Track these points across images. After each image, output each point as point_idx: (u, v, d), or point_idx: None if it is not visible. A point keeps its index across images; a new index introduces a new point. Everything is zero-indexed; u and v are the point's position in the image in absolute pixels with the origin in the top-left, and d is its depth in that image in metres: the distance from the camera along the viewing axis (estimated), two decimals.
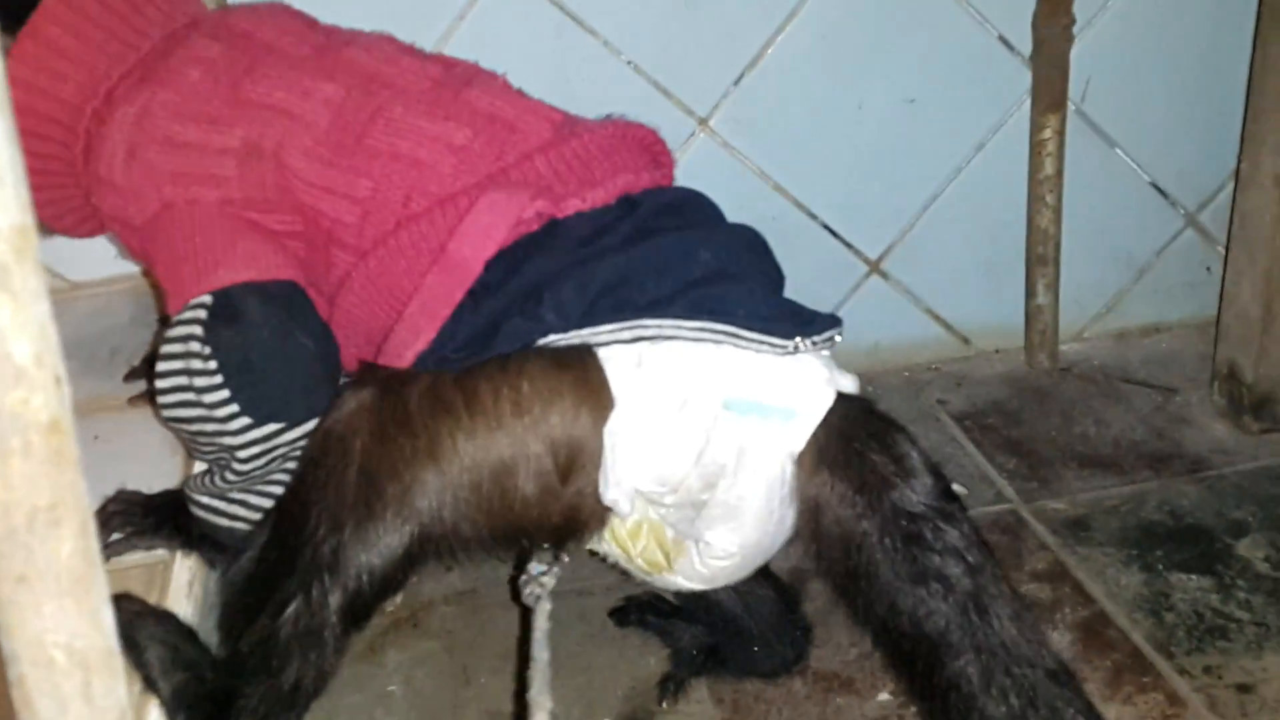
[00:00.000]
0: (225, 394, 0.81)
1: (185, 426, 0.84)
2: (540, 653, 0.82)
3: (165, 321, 1.19)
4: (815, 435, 0.77)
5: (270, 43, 0.91)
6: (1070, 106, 1.37)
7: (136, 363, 1.15)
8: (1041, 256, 1.41)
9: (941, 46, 1.35)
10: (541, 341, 0.78)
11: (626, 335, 0.77)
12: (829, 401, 0.78)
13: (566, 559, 0.90)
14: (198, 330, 0.81)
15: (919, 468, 0.77)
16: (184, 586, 0.85)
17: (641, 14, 1.28)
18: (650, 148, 0.93)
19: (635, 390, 0.77)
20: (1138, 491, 1.25)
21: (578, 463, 0.78)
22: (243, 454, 0.82)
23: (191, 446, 0.88)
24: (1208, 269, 1.49)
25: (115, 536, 0.89)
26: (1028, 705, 0.73)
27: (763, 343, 0.77)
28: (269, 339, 0.82)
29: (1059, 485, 1.26)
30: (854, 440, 0.77)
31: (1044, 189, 1.37)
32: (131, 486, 0.96)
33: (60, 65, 0.87)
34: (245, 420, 0.81)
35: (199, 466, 0.88)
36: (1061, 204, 1.38)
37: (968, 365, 1.48)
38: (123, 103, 0.87)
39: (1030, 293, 1.44)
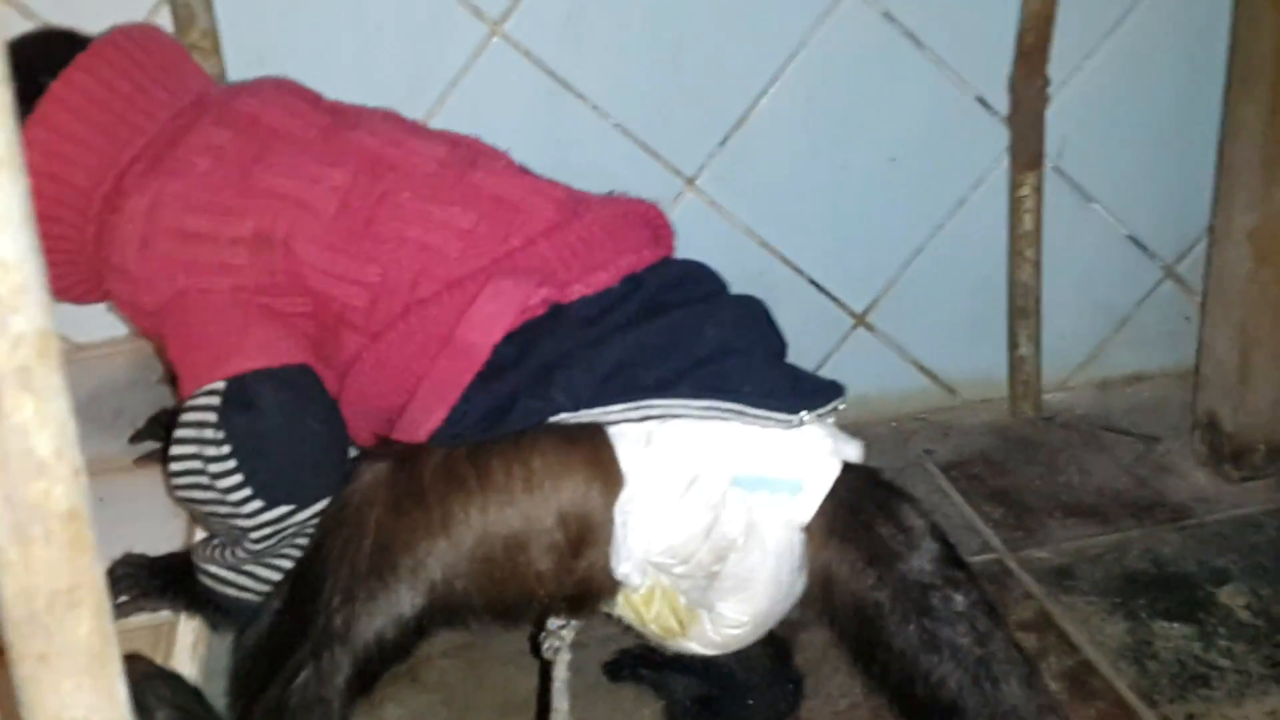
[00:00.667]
0: (239, 479, 0.83)
1: (199, 508, 0.87)
2: (560, 703, 0.84)
3: (172, 383, 1.23)
4: (823, 506, 0.80)
5: (278, 127, 0.93)
6: (1048, 164, 1.40)
7: (141, 424, 1.18)
8: (1023, 309, 1.44)
9: (921, 107, 1.39)
10: (552, 420, 0.80)
11: (635, 415, 0.79)
12: (835, 472, 0.80)
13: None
14: (211, 417, 0.83)
15: (926, 536, 0.80)
16: (189, 648, 0.87)
17: (629, 79, 1.32)
18: (651, 222, 0.96)
19: (645, 468, 0.79)
20: (1121, 540, 1.27)
21: (589, 538, 0.81)
22: (255, 535, 0.85)
23: (203, 522, 0.90)
24: (1186, 318, 1.53)
25: (122, 599, 0.91)
26: None
27: (768, 418, 0.79)
28: (282, 424, 0.84)
29: (1044, 534, 1.29)
30: (861, 511, 0.80)
31: (1024, 244, 1.41)
32: (136, 547, 0.99)
33: (70, 151, 0.89)
34: (258, 504, 0.83)
35: (204, 533, 0.90)
36: (1041, 258, 1.42)
37: (954, 415, 1.51)
38: (133, 192, 0.89)
39: (1013, 344, 1.47)
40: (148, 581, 0.91)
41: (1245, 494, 1.33)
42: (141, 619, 0.90)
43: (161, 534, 1.00)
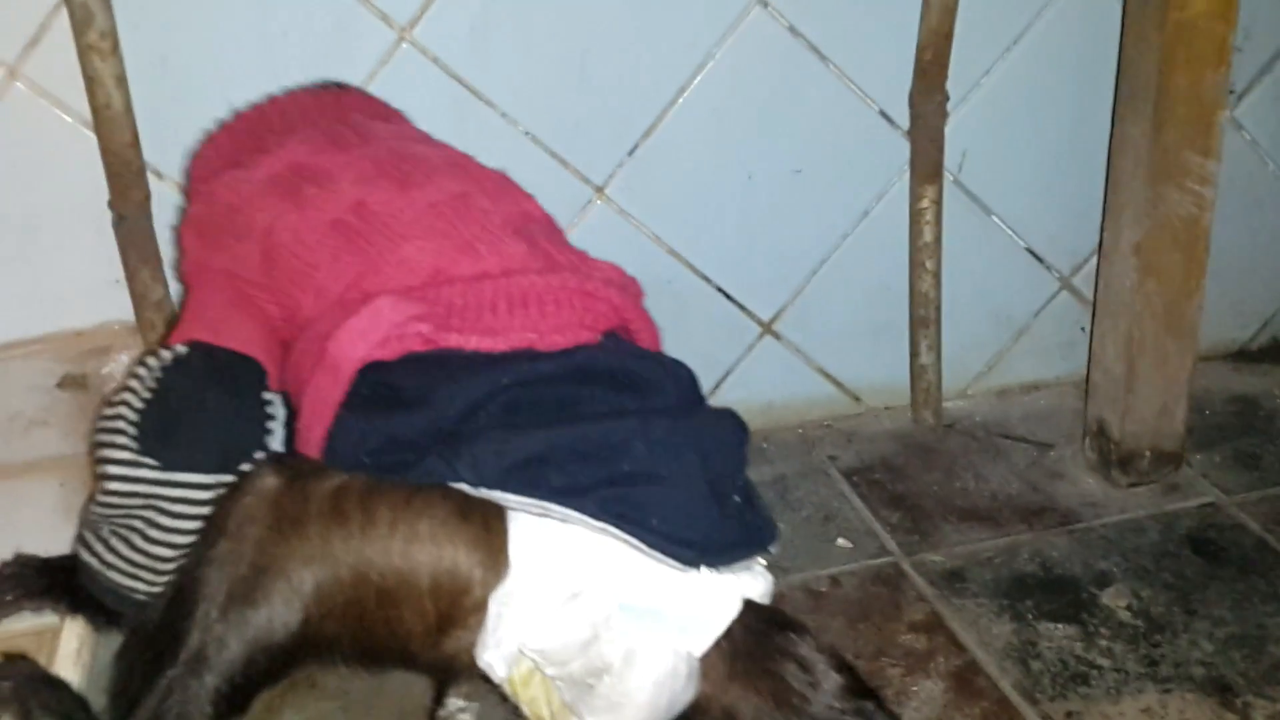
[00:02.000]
0: (132, 417, 0.83)
1: (95, 445, 0.86)
2: None
3: (64, 384, 1.22)
4: (721, 646, 0.78)
5: (351, 141, 1.00)
6: (948, 176, 1.44)
7: (34, 429, 1.17)
8: (923, 318, 1.47)
9: (826, 120, 1.41)
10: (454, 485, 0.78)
11: (535, 511, 0.77)
12: (732, 614, 0.78)
13: (482, 698, 0.90)
14: (151, 364, 0.87)
15: (827, 672, 0.79)
16: (73, 653, 0.87)
17: (538, 87, 1.33)
18: (608, 303, 0.91)
19: (532, 566, 0.77)
20: (1011, 544, 1.31)
21: (459, 617, 0.79)
22: (111, 484, 0.83)
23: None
24: (1081, 329, 1.57)
25: (6, 598, 0.91)
26: None
27: (664, 559, 0.77)
28: (190, 389, 0.85)
29: (938, 538, 1.32)
30: (763, 653, 0.80)
31: (924, 255, 1.44)
32: (28, 549, 0.98)
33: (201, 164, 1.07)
34: (126, 449, 0.83)
35: None
36: (941, 269, 1.45)
37: (858, 422, 1.54)
38: None
39: (914, 353, 1.50)
40: (34, 581, 0.91)
41: (1131, 499, 1.37)
42: (26, 623, 0.89)
43: (52, 540, 0.99)
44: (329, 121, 1.04)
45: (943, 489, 1.40)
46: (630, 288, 0.96)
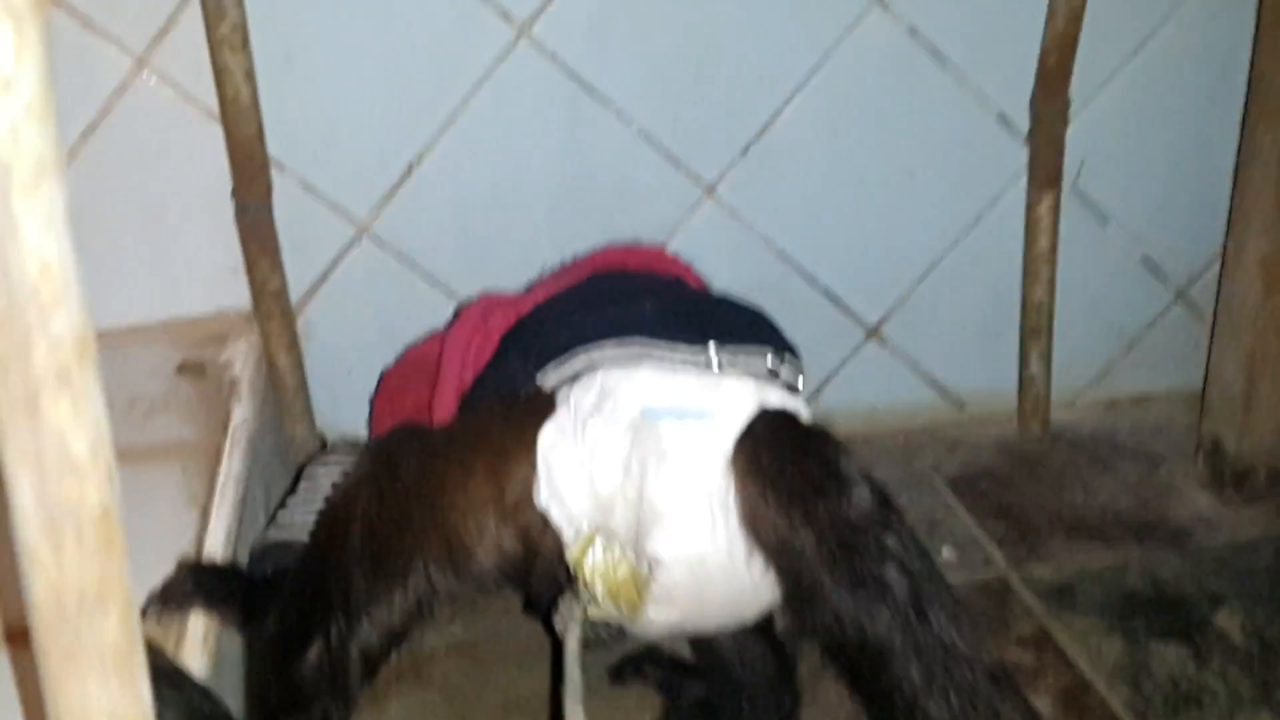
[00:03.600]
0: None
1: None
2: (573, 673, 0.83)
3: (182, 370, 1.24)
4: (745, 447, 0.79)
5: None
6: (1065, 184, 1.41)
7: (156, 413, 1.19)
8: (1035, 328, 1.45)
9: (942, 123, 1.39)
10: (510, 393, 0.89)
11: (569, 368, 0.86)
12: (750, 408, 0.80)
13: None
14: None
15: (854, 477, 0.78)
16: (199, 640, 0.88)
17: (652, 86, 1.33)
18: (649, 260, 1.07)
19: (570, 400, 0.84)
20: (1122, 560, 1.28)
21: (525, 475, 0.85)
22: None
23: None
24: (1196, 342, 1.53)
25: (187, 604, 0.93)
26: (967, 704, 0.75)
27: (674, 347, 0.84)
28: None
29: (1046, 552, 1.30)
30: (786, 451, 0.79)
31: (1038, 263, 1.41)
32: (149, 541, 1.00)
33: None
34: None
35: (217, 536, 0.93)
36: (1055, 278, 1.43)
37: (962, 431, 1.52)
38: None
39: (1023, 362, 1.48)
40: (211, 588, 0.93)
41: (1245, 518, 1.34)
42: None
43: (172, 528, 1.01)
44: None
45: (1050, 501, 1.38)
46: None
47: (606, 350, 0.85)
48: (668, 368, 0.83)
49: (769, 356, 0.85)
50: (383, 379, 1.19)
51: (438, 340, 1.09)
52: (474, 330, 0.98)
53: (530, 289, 1.10)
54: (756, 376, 0.84)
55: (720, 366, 0.84)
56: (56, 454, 0.43)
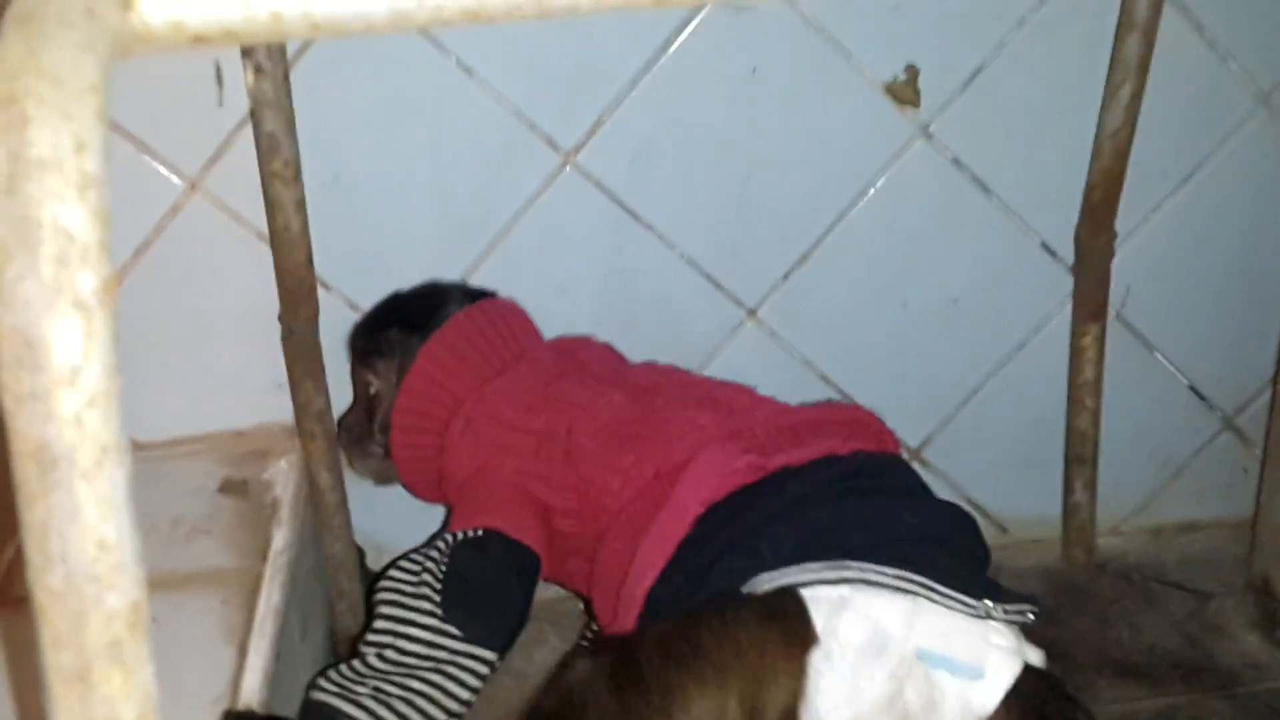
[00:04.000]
0: (438, 591, 0.98)
1: (383, 609, 1.00)
2: None
3: (224, 489, 1.25)
4: (1008, 707, 0.81)
5: (584, 361, 1.19)
6: (1111, 312, 1.40)
7: (198, 534, 1.20)
8: (1080, 456, 1.43)
9: (986, 251, 1.39)
10: (753, 580, 0.86)
11: (831, 575, 0.84)
12: (1017, 669, 0.82)
13: None
14: (449, 543, 1.03)
15: None
16: None
17: (697, 212, 1.33)
18: (865, 424, 1.09)
19: (837, 631, 0.82)
20: (1168, 706, 1.25)
21: (784, 701, 0.83)
22: (408, 644, 0.97)
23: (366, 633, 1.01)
24: (1244, 470, 1.51)
25: None
26: None
27: (955, 599, 0.82)
28: (491, 570, 1.01)
29: (1092, 694, 1.27)
30: (1045, 717, 0.82)
31: (1083, 393, 1.40)
32: (186, 670, 1.01)
33: (457, 365, 1.16)
34: (433, 617, 0.97)
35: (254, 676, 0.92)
36: (1101, 406, 1.41)
37: (1005, 555, 1.49)
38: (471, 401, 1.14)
39: (1068, 490, 1.46)
40: None
41: None
42: None
43: (211, 660, 1.02)
44: (529, 343, 1.22)
45: (1096, 637, 1.35)
46: (879, 422, 1.13)
47: (880, 575, 0.84)
48: (945, 613, 0.83)
49: (1029, 611, 0.88)
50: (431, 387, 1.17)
51: (553, 397, 1.11)
52: (718, 482, 0.96)
53: (714, 395, 1.13)
54: (1017, 628, 0.86)
55: (992, 619, 0.85)
56: None
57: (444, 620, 0.97)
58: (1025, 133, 1.35)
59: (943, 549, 0.87)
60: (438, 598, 0.98)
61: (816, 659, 0.82)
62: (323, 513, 1.31)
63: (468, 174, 1.28)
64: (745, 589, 0.88)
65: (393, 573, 1.03)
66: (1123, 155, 1.28)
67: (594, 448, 1.05)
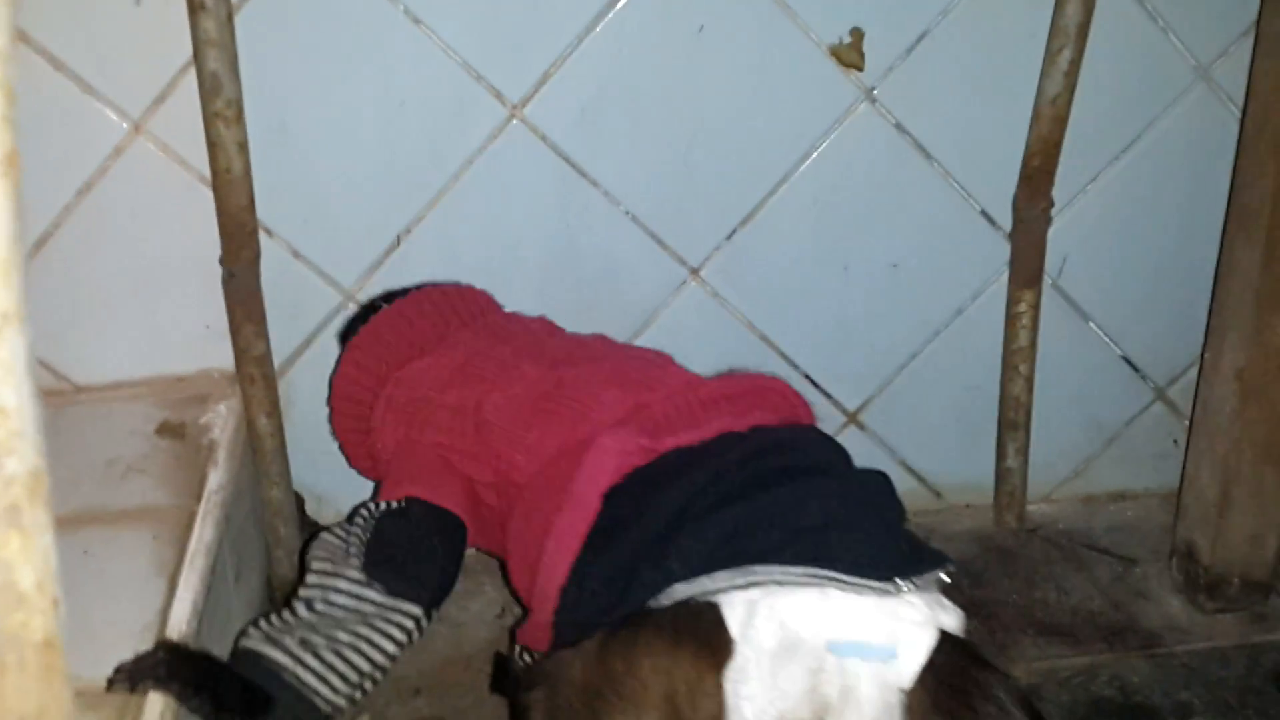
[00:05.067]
0: (362, 548, 1.02)
1: (312, 566, 1.03)
2: None
3: (162, 431, 1.25)
4: (924, 680, 0.81)
5: (509, 336, 1.20)
6: (1046, 281, 1.43)
7: (132, 474, 1.20)
8: (1013, 422, 1.46)
9: (926, 217, 1.41)
10: (666, 592, 0.87)
11: (741, 581, 0.85)
12: (931, 641, 0.82)
13: None
14: (371, 511, 1.06)
15: (1018, 716, 0.82)
16: (156, 715, 0.88)
17: (642, 169, 1.34)
18: (768, 392, 1.08)
19: (751, 636, 0.83)
20: (1091, 664, 1.28)
21: (711, 715, 0.84)
22: (335, 595, 0.99)
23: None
24: (1174, 441, 1.54)
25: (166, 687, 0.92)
26: None
27: (863, 585, 0.83)
28: (413, 533, 1.04)
29: (1016, 651, 1.30)
30: (961, 690, 0.82)
31: (1017, 359, 1.42)
32: (116, 602, 1.01)
33: (382, 352, 1.19)
34: (359, 573, 1.00)
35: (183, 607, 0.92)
36: (1034, 373, 1.44)
37: (938, 519, 1.53)
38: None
39: (1001, 455, 1.49)
40: (185, 672, 0.92)
41: (1216, 626, 1.34)
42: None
43: (142, 592, 1.02)
44: (475, 319, 1.24)
45: (1023, 599, 1.38)
46: (790, 390, 1.11)
47: (787, 575, 0.84)
48: (852, 597, 0.84)
49: (940, 575, 0.88)
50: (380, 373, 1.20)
51: (467, 372, 1.13)
52: (615, 470, 0.97)
53: (621, 359, 1.15)
54: (928, 594, 0.86)
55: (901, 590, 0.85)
56: (3, 587, 0.43)
57: (369, 577, 1.00)
58: (968, 99, 1.37)
59: (849, 531, 0.87)
60: (363, 560, 1.01)
61: (733, 670, 0.83)
62: (260, 458, 1.31)
63: (414, 124, 1.29)
64: (659, 600, 0.89)
65: (320, 539, 1.06)
66: (1061, 122, 1.30)
67: (500, 422, 1.07)
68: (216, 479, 1.18)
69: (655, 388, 1.06)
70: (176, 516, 1.13)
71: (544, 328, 1.26)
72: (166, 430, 1.27)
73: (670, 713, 0.85)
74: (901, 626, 0.82)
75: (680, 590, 0.87)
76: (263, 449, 1.30)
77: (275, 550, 1.35)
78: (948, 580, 0.88)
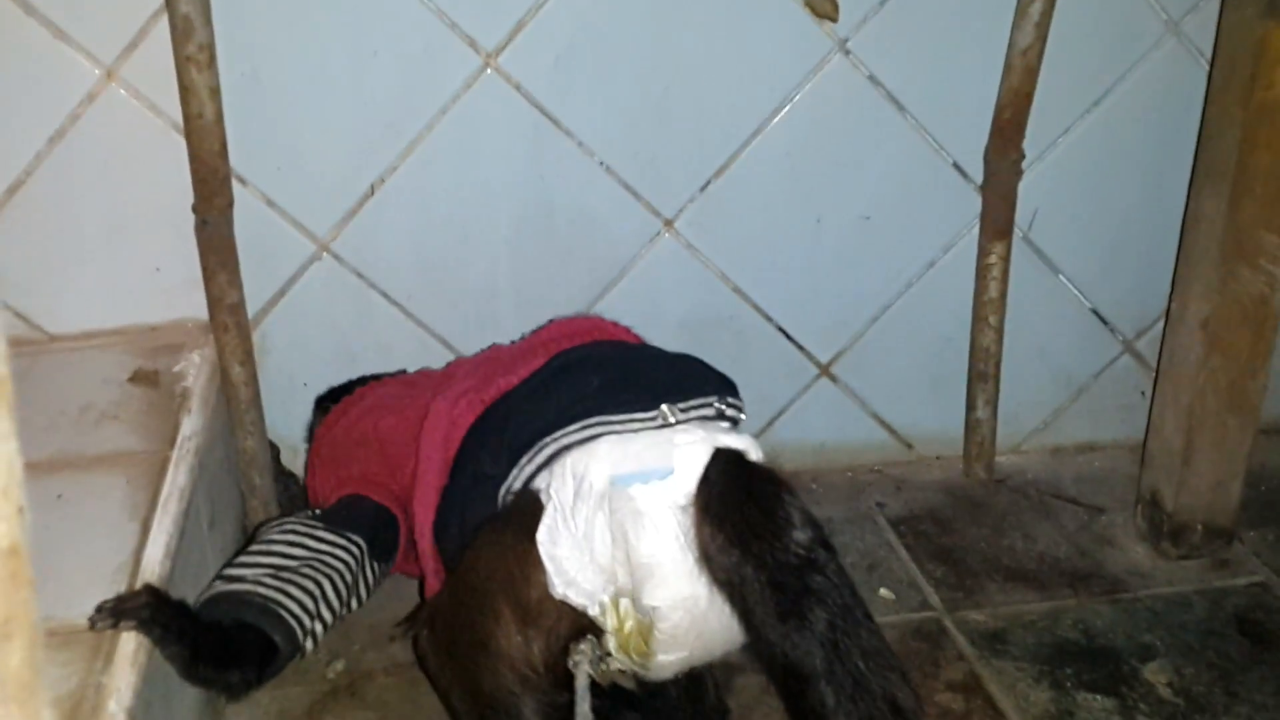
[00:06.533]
0: (322, 515, 1.14)
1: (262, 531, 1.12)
2: (582, 705, 0.90)
3: (135, 379, 1.25)
4: (701, 494, 0.87)
5: (426, 379, 1.29)
6: (1017, 233, 1.44)
7: (106, 420, 1.20)
8: (982, 373, 1.47)
9: (898, 169, 1.42)
10: (495, 497, 0.96)
11: (538, 459, 0.93)
12: (704, 457, 0.88)
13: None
14: (315, 514, 1.15)
15: (792, 519, 0.87)
16: (129, 655, 0.89)
17: (616, 119, 1.35)
18: (584, 330, 1.14)
19: (551, 498, 0.91)
20: (1055, 608, 1.30)
21: (541, 582, 0.91)
22: (284, 536, 1.09)
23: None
24: (1141, 393, 1.56)
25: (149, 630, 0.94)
26: None
27: (633, 421, 0.92)
28: (353, 506, 1.15)
29: (982, 596, 1.32)
30: (734, 495, 0.87)
31: (987, 310, 1.44)
32: (90, 546, 1.01)
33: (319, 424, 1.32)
34: (319, 526, 1.11)
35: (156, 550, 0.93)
36: (1004, 325, 1.45)
37: (908, 470, 1.54)
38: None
39: (970, 406, 1.50)
40: (168, 618, 0.93)
41: (1180, 572, 1.36)
42: (82, 624, 0.91)
43: (115, 535, 1.02)
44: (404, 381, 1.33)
45: (990, 546, 1.40)
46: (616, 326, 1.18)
47: (568, 436, 0.93)
48: (627, 437, 0.91)
49: (714, 402, 0.96)
50: (314, 441, 1.31)
51: (369, 410, 1.23)
52: (449, 425, 1.05)
53: (485, 359, 1.20)
54: (706, 422, 0.94)
55: (672, 422, 0.93)
56: None
57: (313, 523, 1.11)
58: (941, 52, 1.37)
59: (622, 387, 0.96)
60: (322, 519, 1.13)
61: (543, 533, 0.90)
62: (234, 406, 1.32)
63: (388, 72, 1.29)
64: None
65: (280, 522, 1.14)
66: (1032, 74, 1.31)
67: (394, 439, 1.16)
68: (190, 425, 1.19)
69: (504, 363, 1.12)
70: (150, 462, 1.14)
71: (496, 363, 1.28)
72: (140, 378, 1.28)
73: (514, 596, 0.92)
74: (676, 449, 0.88)
75: (501, 492, 0.95)
76: (236, 398, 1.31)
77: (250, 500, 1.35)
78: (715, 409, 0.95)
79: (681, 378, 0.99)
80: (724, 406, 0.97)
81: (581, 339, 1.11)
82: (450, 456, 1.04)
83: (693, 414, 0.94)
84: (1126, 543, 1.42)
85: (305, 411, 1.40)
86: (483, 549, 0.95)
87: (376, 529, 1.14)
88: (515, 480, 0.95)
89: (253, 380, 1.32)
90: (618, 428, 0.92)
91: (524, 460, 0.94)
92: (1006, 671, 1.21)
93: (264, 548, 1.07)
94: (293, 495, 1.40)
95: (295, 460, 1.44)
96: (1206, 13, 1.38)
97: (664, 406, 0.93)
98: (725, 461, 0.88)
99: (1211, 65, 1.30)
